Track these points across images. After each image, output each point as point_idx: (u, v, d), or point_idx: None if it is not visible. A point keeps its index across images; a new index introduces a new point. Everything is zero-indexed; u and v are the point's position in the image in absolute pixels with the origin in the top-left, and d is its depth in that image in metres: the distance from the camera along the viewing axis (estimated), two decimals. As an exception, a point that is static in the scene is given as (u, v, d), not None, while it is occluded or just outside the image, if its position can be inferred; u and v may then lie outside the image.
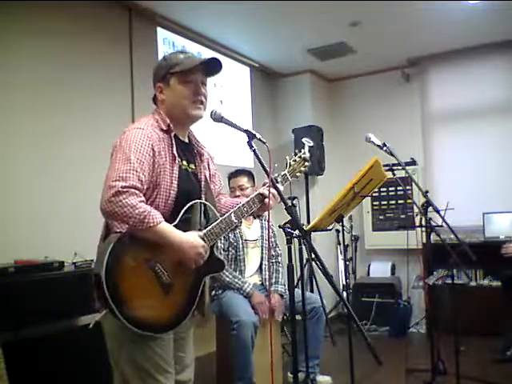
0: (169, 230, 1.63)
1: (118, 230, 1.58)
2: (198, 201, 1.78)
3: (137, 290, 1.58)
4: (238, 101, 5.28)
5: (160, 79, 1.79)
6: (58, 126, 3.35)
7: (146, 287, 1.60)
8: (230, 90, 5.15)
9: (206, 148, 1.95)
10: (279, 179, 1.97)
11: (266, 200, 1.87)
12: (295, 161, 2.05)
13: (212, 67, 1.81)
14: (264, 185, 1.90)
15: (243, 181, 3.37)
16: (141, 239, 1.60)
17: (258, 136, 1.80)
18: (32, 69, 3.24)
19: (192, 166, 1.84)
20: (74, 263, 2.88)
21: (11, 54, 3.13)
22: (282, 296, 3.27)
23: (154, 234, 1.59)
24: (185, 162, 1.80)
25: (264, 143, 1.76)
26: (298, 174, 2.07)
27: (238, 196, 3.36)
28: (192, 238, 1.67)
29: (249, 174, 3.44)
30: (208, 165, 1.94)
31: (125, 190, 1.55)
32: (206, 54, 4.79)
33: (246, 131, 1.80)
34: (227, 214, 1.80)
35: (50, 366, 2.51)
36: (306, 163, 2.07)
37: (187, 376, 1.84)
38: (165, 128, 1.74)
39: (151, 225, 1.57)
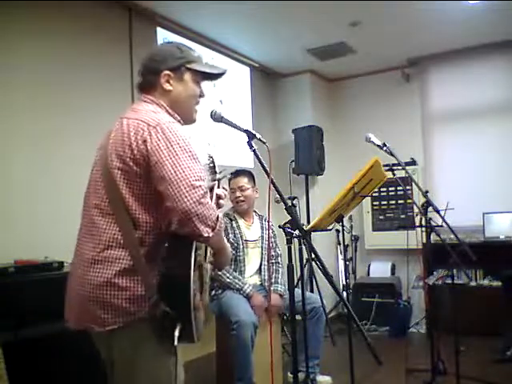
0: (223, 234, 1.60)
1: (206, 235, 1.43)
2: None
3: (197, 299, 1.50)
4: (238, 101, 5.28)
5: (171, 68, 1.66)
6: (58, 125, 3.35)
7: (198, 293, 1.53)
8: (230, 90, 5.15)
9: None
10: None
11: (220, 201, 1.79)
12: None
13: (215, 77, 1.80)
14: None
15: (243, 181, 3.37)
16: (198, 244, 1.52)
17: (258, 136, 1.80)
18: (32, 69, 3.24)
19: None
20: (74, 263, 2.88)
21: (11, 54, 3.13)
22: (281, 296, 3.27)
23: (220, 239, 1.54)
24: None
25: (264, 143, 1.76)
26: None
27: (239, 197, 3.36)
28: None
29: (249, 174, 3.43)
30: None
31: (207, 191, 1.47)
32: (206, 54, 4.79)
33: (246, 131, 1.80)
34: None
35: (50, 366, 2.51)
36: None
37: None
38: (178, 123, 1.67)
39: (222, 229, 1.53)
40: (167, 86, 1.66)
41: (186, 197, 1.41)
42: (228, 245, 1.67)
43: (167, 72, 1.65)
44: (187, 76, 1.68)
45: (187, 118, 1.73)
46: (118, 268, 1.47)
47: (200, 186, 1.43)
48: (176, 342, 1.41)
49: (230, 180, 3.41)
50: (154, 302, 1.43)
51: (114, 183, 1.51)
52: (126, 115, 1.61)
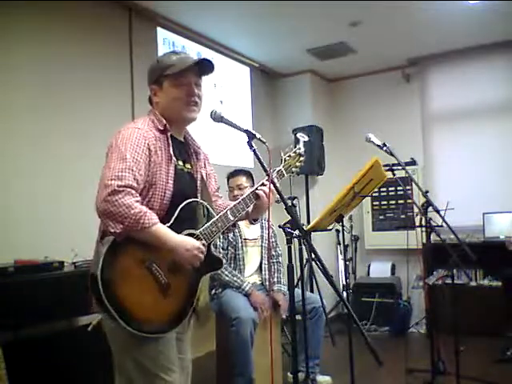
0: (163, 231, 1.62)
1: (113, 231, 1.54)
2: (194, 199, 1.78)
3: (134, 292, 1.57)
4: (238, 101, 5.28)
5: (153, 82, 1.80)
6: (58, 125, 3.35)
7: (144, 288, 1.60)
8: (230, 90, 5.15)
9: (202, 147, 1.94)
10: (275, 175, 1.95)
11: (261, 196, 1.85)
12: (290, 156, 2.03)
13: (205, 67, 1.80)
14: (261, 183, 1.90)
15: (242, 180, 3.37)
16: (137, 241, 1.58)
17: (258, 136, 1.79)
18: (32, 69, 3.24)
19: (188, 165, 1.84)
20: (74, 263, 2.88)
21: (11, 54, 3.13)
22: (284, 295, 3.27)
23: (148, 236, 1.58)
24: (180, 162, 1.80)
25: (264, 143, 1.76)
26: (293, 169, 2.04)
27: (236, 195, 3.36)
28: (186, 241, 1.66)
29: (247, 173, 3.44)
30: (204, 164, 1.93)
31: (121, 189, 1.54)
32: (206, 54, 4.79)
33: (246, 131, 1.80)
34: (223, 212, 1.80)
35: (49, 366, 2.51)
36: (301, 158, 2.06)
37: (185, 378, 1.84)
38: (161, 128, 1.74)
39: (146, 226, 1.56)
40: (155, 99, 1.81)
41: (98, 196, 1.55)
42: (186, 242, 1.66)
43: (152, 86, 1.82)
44: (166, 83, 1.78)
45: (181, 119, 1.81)
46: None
47: (111, 184, 1.53)
48: (89, 328, 1.74)
49: (228, 179, 3.42)
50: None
51: None
52: None
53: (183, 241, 1.65)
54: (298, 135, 2.14)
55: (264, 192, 1.86)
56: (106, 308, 1.52)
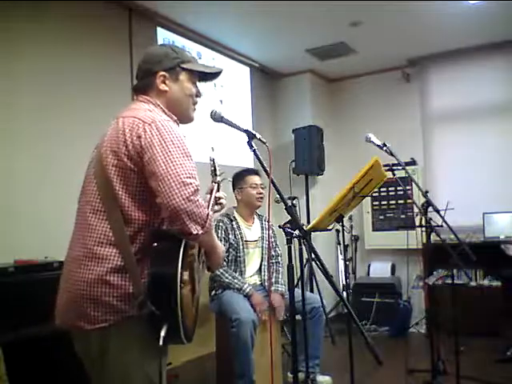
0: (215, 234, 1.60)
1: (195, 232, 1.42)
2: None
3: (186, 299, 1.47)
4: (238, 101, 5.28)
5: (167, 69, 1.67)
6: (58, 126, 3.35)
7: (189, 296, 1.53)
8: (230, 90, 5.15)
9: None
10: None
11: (221, 200, 1.81)
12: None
13: (211, 77, 1.81)
14: (211, 189, 1.84)
15: (261, 180, 3.39)
16: (189, 245, 1.50)
17: (258, 136, 1.79)
18: (32, 69, 3.24)
19: None
20: (74, 263, 2.88)
21: (11, 54, 3.13)
22: (282, 296, 3.27)
23: (209, 238, 1.54)
24: None
25: (264, 143, 1.76)
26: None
27: (261, 193, 3.36)
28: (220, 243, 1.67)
29: (259, 174, 3.46)
30: None
31: (198, 189, 1.45)
32: (206, 54, 4.79)
33: (246, 131, 1.80)
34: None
35: (50, 366, 2.51)
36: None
37: None
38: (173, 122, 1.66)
39: (213, 227, 1.52)
40: (163, 87, 1.67)
41: (176, 193, 1.40)
42: (220, 244, 1.67)
43: (163, 73, 1.67)
44: (182, 76, 1.69)
45: (184, 118, 1.74)
46: (109, 265, 1.46)
47: (191, 183, 1.42)
48: (161, 343, 1.38)
49: (245, 176, 3.40)
50: (140, 301, 1.42)
51: (107, 180, 1.51)
52: (122, 114, 1.63)
53: (220, 243, 1.67)
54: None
55: (223, 196, 1.84)
56: (173, 316, 1.39)
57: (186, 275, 1.46)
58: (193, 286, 1.56)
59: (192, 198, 1.41)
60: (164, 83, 1.67)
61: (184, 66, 1.70)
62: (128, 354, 1.49)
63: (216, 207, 1.87)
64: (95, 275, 1.46)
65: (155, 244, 1.48)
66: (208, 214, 1.45)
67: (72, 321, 1.51)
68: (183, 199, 1.40)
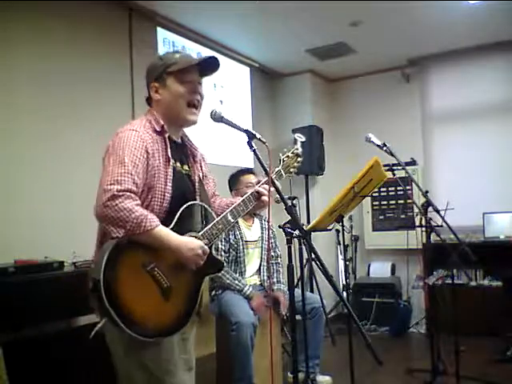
0: (166, 233, 1.61)
1: (115, 236, 1.52)
2: (194, 202, 1.77)
3: (137, 297, 1.56)
4: (238, 101, 5.28)
5: (155, 79, 1.76)
6: (58, 126, 3.35)
7: (147, 293, 1.58)
8: (230, 90, 5.15)
9: (199, 148, 1.93)
10: (274, 176, 1.95)
11: (263, 197, 1.87)
12: (288, 156, 2.04)
13: (209, 66, 1.80)
14: (259, 182, 1.91)
15: (253, 178, 3.38)
16: (138, 244, 1.57)
17: (258, 136, 1.79)
18: (32, 69, 3.24)
19: (185, 167, 1.82)
20: (74, 263, 2.88)
21: (11, 54, 3.13)
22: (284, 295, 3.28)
23: (151, 238, 1.57)
24: (178, 164, 1.78)
25: (264, 143, 1.76)
26: (291, 169, 2.05)
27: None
28: (189, 240, 1.66)
29: (254, 173, 3.44)
30: (201, 166, 1.92)
31: (120, 193, 1.52)
32: (206, 54, 4.79)
33: (246, 131, 1.80)
34: (223, 214, 1.80)
35: (50, 365, 2.51)
36: (299, 158, 2.06)
37: (189, 377, 1.83)
38: (158, 129, 1.72)
39: (148, 228, 1.55)
40: (156, 96, 1.77)
41: (97, 201, 1.54)
42: (187, 242, 1.65)
43: (154, 83, 1.77)
44: (169, 80, 1.75)
45: (181, 121, 1.79)
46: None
47: (110, 189, 1.52)
48: (92, 335, 1.54)
49: (239, 176, 3.39)
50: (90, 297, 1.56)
51: None
52: None
53: (187, 241, 1.65)
54: (296, 136, 2.15)
55: (265, 191, 1.87)
56: (107, 312, 1.49)
57: (130, 272, 1.55)
58: (157, 281, 1.60)
59: (108, 203, 1.51)
60: (157, 93, 1.77)
61: (169, 69, 1.74)
62: (117, 347, 1.65)
63: (259, 203, 1.89)
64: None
65: (103, 246, 1.60)
66: (134, 217, 1.52)
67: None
68: (99, 206, 1.52)
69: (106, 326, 1.57)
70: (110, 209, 1.51)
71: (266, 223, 3.47)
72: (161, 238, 1.60)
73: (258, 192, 1.88)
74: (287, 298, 3.20)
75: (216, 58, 1.79)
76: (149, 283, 1.59)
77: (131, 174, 1.57)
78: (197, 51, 4.67)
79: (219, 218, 1.78)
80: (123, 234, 1.52)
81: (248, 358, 2.90)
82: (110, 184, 1.53)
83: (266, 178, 1.88)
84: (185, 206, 1.71)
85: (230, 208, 1.82)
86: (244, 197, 1.87)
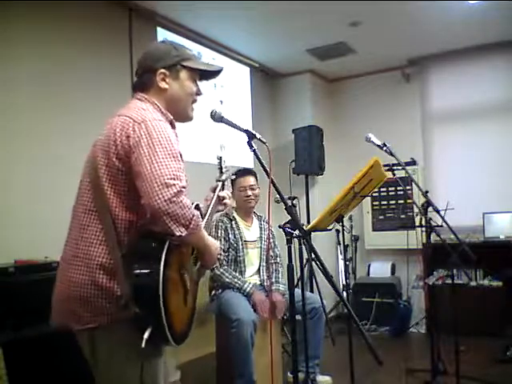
0: (205, 232, 1.58)
1: (178, 234, 1.41)
2: (195, 202, 1.77)
3: (176, 303, 1.47)
4: (238, 101, 5.28)
5: (167, 66, 1.65)
6: (58, 126, 3.35)
7: (179, 297, 1.52)
8: (230, 90, 5.15)
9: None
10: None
11: (225, 201, 1.86)
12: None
13: (211, 75, 1.80)
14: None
15: (253, 180, 3.37)
16: (179, 245, 1.48)
17: (258, 136, 1.79)
18: (32, 69, 3.23)
19: None
20: (74, 263, 2.88)
21: (11, 54, 3.13)
22: (283, 295, 3.27)
23: (199, 237, 1.52)
24: None
25: (264, 143, 1.76)
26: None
27: (249, 196, 3.35)
28: (213, 240, 1.65)
29: (255, 173, 3.43)
30: None
31: (183, 190, 1.42)
32: (206, 53, 4.79)
33: (246, 131, 1.80)
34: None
35: (50, 365, 2.51)
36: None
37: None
38: (168, 122, 1.64)
39: (201, 227, 1.50)
40: (163, 85, 1.65)
41: (157, 194, 1.39)
42: (214, 243, 1.64)
43: (163, 70, 1.65)
44: (183, 74, 1.68)
45: (183, 116, 1.73)
46: (98, 266, 1.46)
47: (174, 184, 1.40)
48: (143, 345, 1.37)
49: (235, 179, 3.38)
50: (124, 303, 1.41)
51: (98, 180, 1.51)
52: (118, 112, 1.61)
53: (213, 241, 1.64)
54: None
55: (226, 195, 1.87)
56: (157, 322, 1.37)
57: (173, 276, 1.46)
58: (184, 286, 1.54)
59: (174, 199, 1.39)
60: (164, 81, 1.65)
61: (185, 63, 1.68)
62: (112, 356, 1.49)
63: (219, 207, 1.88)
64: (85, 276, 1.47)
65: (140, 244, 1.47)
66: (194, 215, 1.44)
67: (63, 319, 1.54)
68: (164, 201, 1.38)
69: (120, 332, 1.46)
70: (177, 205, 1.39)
71: (265, 224, 3.47)
72: (205, 237, 1.57)
73: (219, 196, 1.86)
74: (286, 298, 3.20)
75: (220, 72, 1.80)
76: (181, 287, 1.53)
77: (183, 170, 1.49)
78: (197, 51, 4.66)
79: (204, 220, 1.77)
80: (186, 232, 1.42)
81: (248, 354, 2.90)
82: (172, 178, 1.41)
83: (221, 184, 1.88)
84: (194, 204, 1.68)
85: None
86: (209, 202, 1.87)
